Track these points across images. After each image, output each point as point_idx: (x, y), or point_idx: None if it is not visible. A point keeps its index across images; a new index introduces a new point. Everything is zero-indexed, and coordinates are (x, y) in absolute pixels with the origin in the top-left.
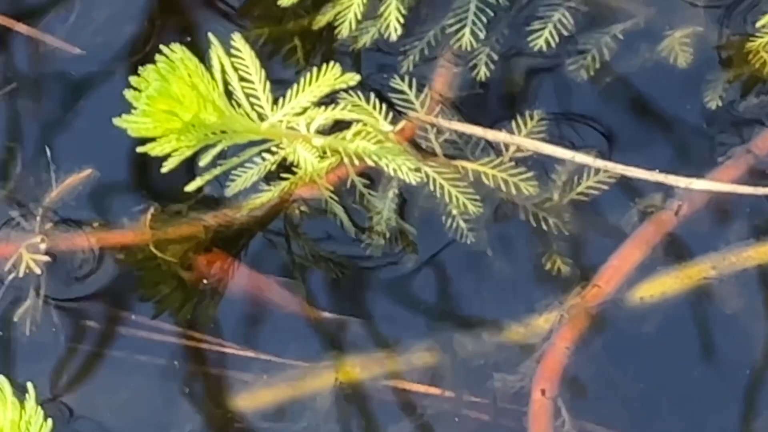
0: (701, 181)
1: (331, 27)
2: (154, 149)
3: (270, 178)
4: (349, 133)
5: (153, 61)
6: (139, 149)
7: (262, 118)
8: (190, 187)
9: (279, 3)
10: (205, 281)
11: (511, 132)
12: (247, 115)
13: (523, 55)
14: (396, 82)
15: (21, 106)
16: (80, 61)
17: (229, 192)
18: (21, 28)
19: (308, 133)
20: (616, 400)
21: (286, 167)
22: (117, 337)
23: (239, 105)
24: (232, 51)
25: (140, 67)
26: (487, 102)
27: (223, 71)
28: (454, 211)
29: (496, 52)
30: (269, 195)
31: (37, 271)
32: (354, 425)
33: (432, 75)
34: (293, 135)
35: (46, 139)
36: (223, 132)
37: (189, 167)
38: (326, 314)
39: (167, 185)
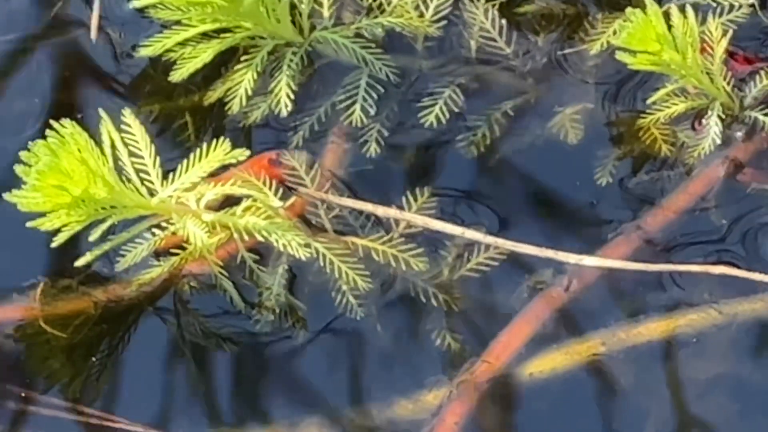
0: (591, 257)
1: (222, 103)
2: (43, 224)
3: (160, 253)
4: (238, 209)
5: (44, 137)
6: (29, 224)
7: (152, 193)
8: (80, 262)
9: (169, 79)
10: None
11: (401, 208)
12: (137, 190)
13: (414, 131)
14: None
15: None
16: None
17: (118, 267)
18: None
19: (198, 208)
20: None
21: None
22: (5, 412)
23: (129, 180)
24: (123, 127)
25: (31, 143)
26: (378, 178)
27: (113, 146)
28: (344, 287)
29: (387, 128)
30: (159, 270)
31: None
32: None
33: (322, 151)
34: (183, 210)
35: None
36: (113, 207)
37: (79, 242)
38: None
39: (57, 260)
